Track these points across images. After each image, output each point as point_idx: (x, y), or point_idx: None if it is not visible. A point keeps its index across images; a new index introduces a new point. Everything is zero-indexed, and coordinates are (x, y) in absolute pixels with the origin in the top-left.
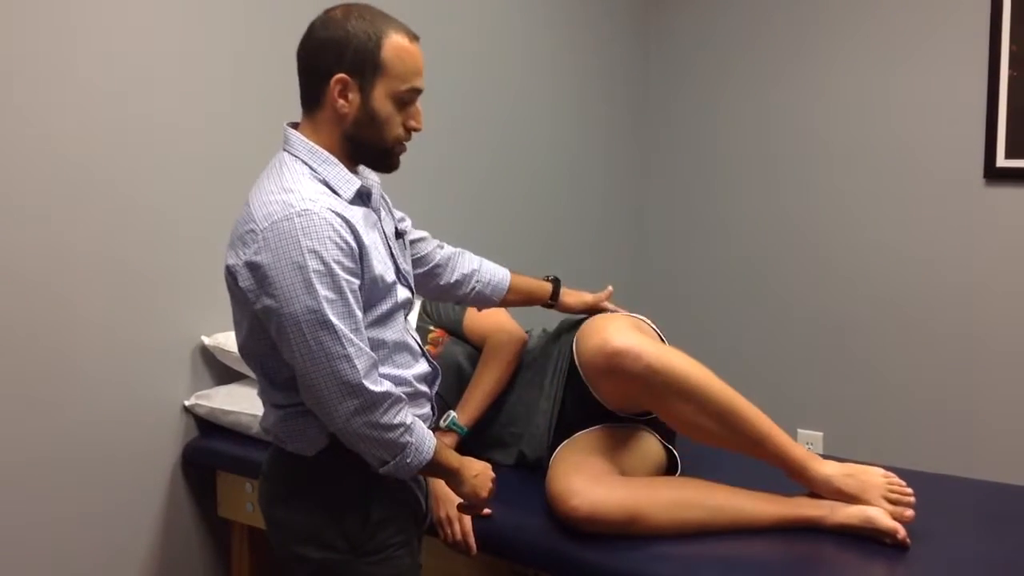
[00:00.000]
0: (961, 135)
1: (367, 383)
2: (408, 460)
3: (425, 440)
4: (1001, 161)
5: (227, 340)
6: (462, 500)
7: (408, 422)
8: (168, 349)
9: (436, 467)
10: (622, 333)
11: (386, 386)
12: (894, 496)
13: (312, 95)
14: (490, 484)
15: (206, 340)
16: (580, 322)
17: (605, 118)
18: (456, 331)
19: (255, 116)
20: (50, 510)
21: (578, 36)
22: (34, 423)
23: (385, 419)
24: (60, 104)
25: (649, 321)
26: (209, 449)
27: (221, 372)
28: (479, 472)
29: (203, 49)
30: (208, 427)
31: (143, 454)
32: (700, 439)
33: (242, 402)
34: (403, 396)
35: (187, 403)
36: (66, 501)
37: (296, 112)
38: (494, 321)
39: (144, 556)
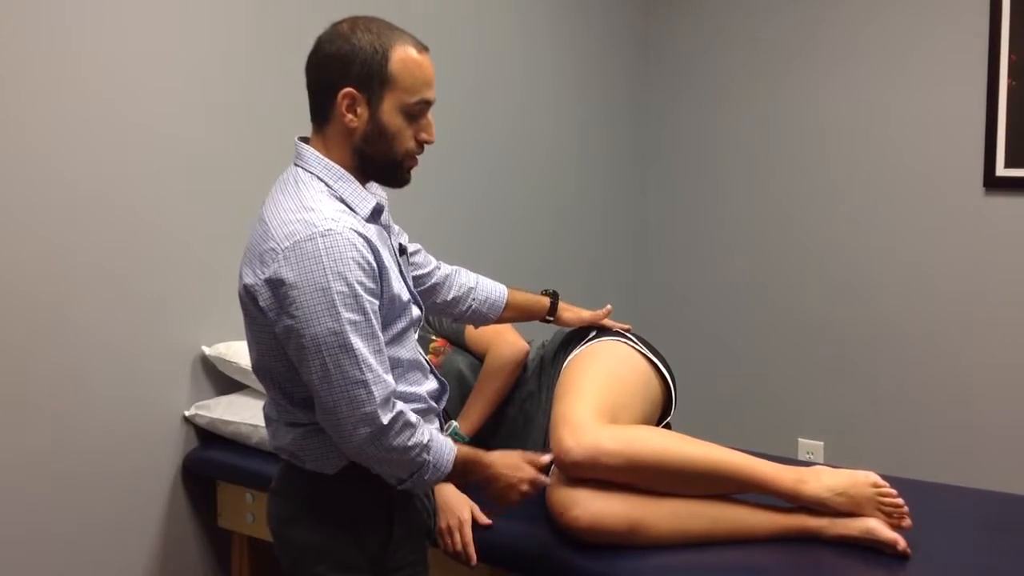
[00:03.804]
0: (960, 144)
1: (381, 412)
2: (426, 477)
3: (443, 454)
4: (1001, 170)
5: (228, 350)
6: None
7: (424, 441)
8: (168, 359)
9: (462, 475)
10: (575, 434)
11: (398, 408)
12: (887, 509)
13: (321, 110)
14: (524, 487)
15: (206, 350)
16: (572, 336)
17: (604, 126)
18: (458, 341)
19: (257, 127)
20: (50, 520)
21: (577, 43)
22: (34, 433)
23: (398, 442)
24: (59, 114)
25: (634, 339)
26: (209, 459)
27: (221, 382)
28: (511, 465)
29: (205, 60)
30: (208, 437)
31: (143, 464)
32: (689, 498)
33: (242, 412)
34: (416, 420)
35: (187, 413)
36: (66, 511)
37: (299, 123)
38: (497, 332)
39: (144, 566)
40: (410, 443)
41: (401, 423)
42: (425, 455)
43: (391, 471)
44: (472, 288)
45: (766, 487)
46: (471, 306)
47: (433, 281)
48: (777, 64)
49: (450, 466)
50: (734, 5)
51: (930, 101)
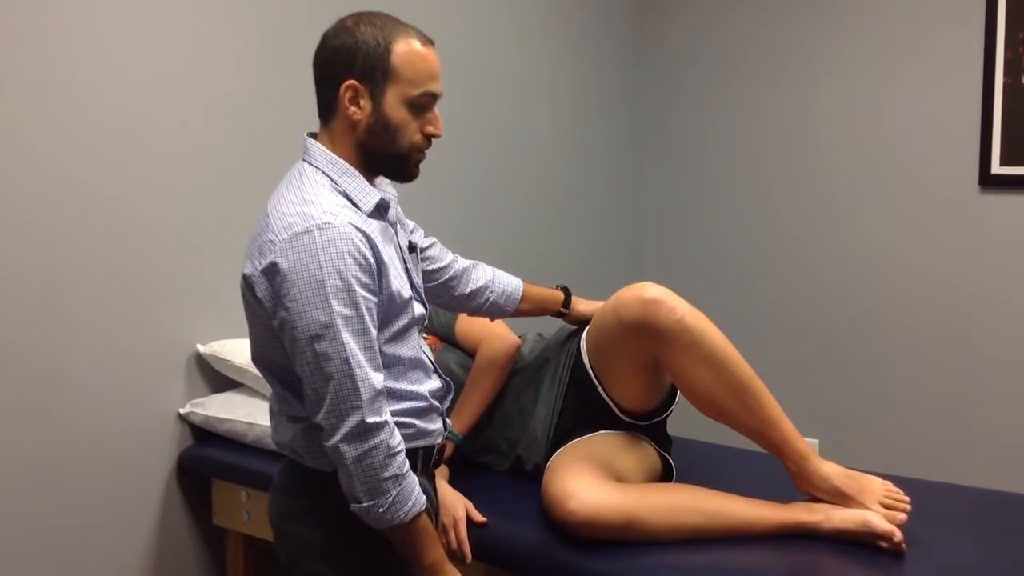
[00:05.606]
0: (956, 142)
1: (366, 409)
2: (380, 511)
3: (410, 499)
4: (996, 168)
5: (222, 348)
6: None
7: (401, 472)
8: (163, 357)
9: (411, 536)
10: (659, 288)
11: (386, 418)
12: (890, 502)
13: (326, 104)
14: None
15: (201, 348)
16: (581, 329)
17: (601, 125)
18: (448, 338)
19: (256, 124)
20: (45, 519)
21: (573, 42)
22: (29, 431)
23: (376, 454)
24: (57, 110)
25: None
26: (204, 457)
27: (216, 380)
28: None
29: (204, 55)
30: (203, 435)
31: (138, 462)
32: (710, 412)
33: (237, 410)
34: (400, 446)
35: (182, 411)
36: (61, 510)
37: (298, 120)
38: (486, 327)
39: (139, 565)
40: (386, 462)
41: (386, 434)
42: (392, 487)
43: (354, 485)
44: (490, 281)
45: (784, 441)
46: (489, 299)
47: (451, 275)
48: (773, 63)
49: (409, 517)
50: (731, 4)
51: (926, 99)
